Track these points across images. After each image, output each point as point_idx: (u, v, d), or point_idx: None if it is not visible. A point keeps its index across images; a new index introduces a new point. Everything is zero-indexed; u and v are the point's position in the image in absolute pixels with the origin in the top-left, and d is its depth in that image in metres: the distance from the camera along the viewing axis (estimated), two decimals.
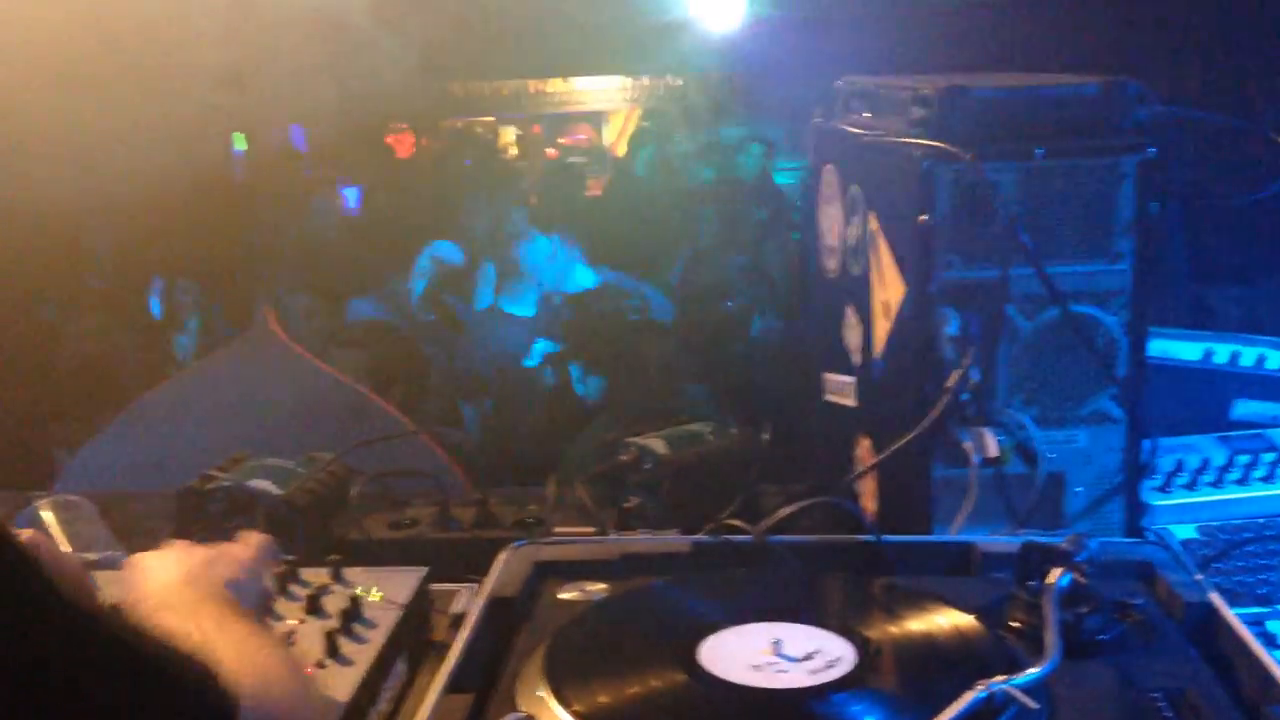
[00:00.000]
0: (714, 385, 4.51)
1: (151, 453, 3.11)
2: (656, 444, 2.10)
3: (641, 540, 1.83)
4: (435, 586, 1.74)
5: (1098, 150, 1.84)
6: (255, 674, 1.09)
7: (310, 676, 1.39)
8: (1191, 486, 2.12)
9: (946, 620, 1.45)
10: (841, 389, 2.16)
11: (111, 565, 1.69)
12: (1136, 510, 1.95)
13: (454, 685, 1.38)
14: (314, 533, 1.95)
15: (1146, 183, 1.84)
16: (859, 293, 2.04)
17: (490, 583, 1.62)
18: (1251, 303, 3.37)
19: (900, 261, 1.88)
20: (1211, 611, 1.50)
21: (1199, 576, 1.59)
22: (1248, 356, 2.41)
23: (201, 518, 1.92)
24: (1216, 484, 2.13)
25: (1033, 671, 1.25)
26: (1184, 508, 2.08)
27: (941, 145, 1.79)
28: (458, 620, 1.63)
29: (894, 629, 1.45)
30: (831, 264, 2.22)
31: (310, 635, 1.49)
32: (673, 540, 1.80)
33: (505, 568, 1.66)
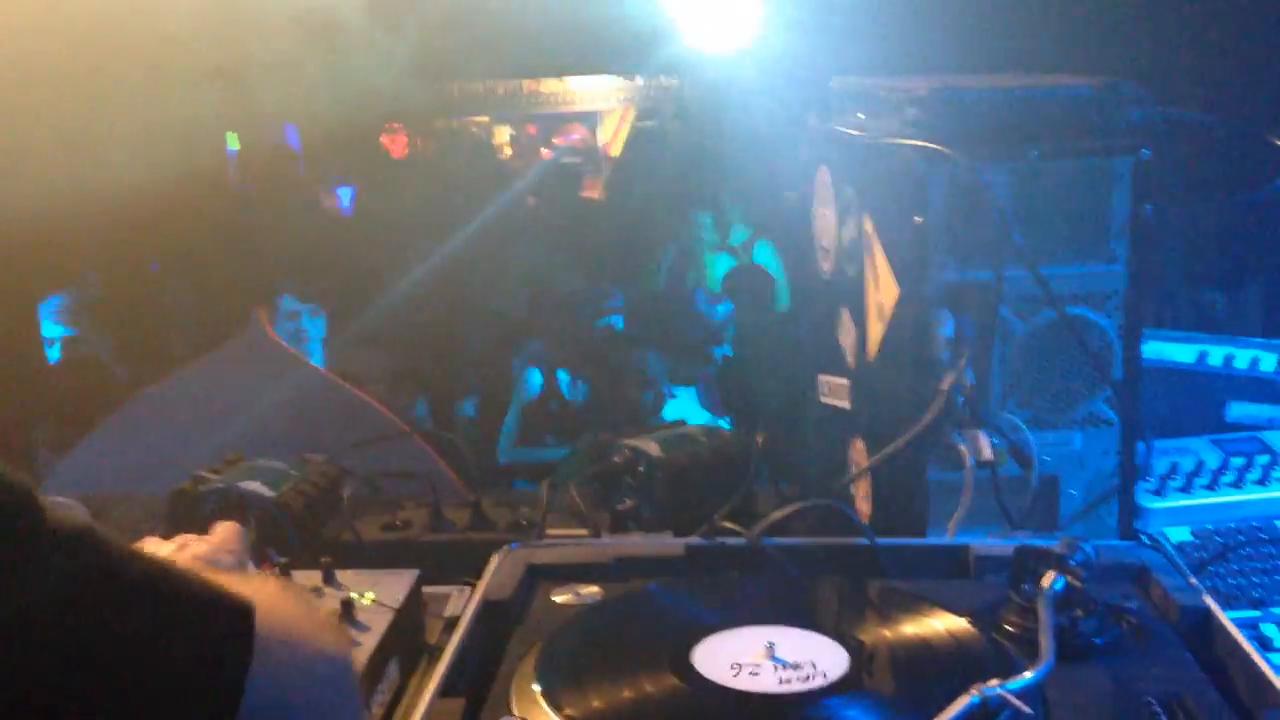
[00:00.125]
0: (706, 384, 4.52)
1: (143, 454, 3.10)
2: (650, 445, 2.10)
3: (635, 543, 1.83)
4: (428, 589, 1.73)
5: (1092, 151, 1.84)
6: (255, 592, 1.05)
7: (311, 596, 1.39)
8: (1186, 489, 2.12)
9: (941, 624, 1.45)
10: (836, 391, 2.16)
11: None
12: (1131, 513, 1.94)
13: (446, 689, 1.37)
14: (306, 534, 1.95)
15: (1141, 184, 1.84)
16: (853, 294, 2.04)
17: (483, 586, 1.62)
18: (1246, 305, 3.38)
19: (894, 263, 1.88)
20: (1206, 616, 1.50)
21: (1193, 580, 1.58)
22: (1242, 359, 2.41)
23: (193, 520, 1.91)
24: (1211, 486, 2.13)
25: (1027, 675, 1.25)
26: (1178, 510, 2.08)
27: (935, 146, 1.78)
28: (451, 623, 1.62)
29: (888, 632, 1.44)
30: (826, 265, 2.22)
31: None
32: (666, 543, 1.80)
33: (498, 570, 1.66)
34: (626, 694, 1.33)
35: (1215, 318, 3.37)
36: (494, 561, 1.68)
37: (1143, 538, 1.97)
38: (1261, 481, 2.14)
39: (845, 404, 2.12)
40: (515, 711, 1.31)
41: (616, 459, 2.10)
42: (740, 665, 1.35)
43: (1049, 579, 1.42)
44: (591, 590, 1.62)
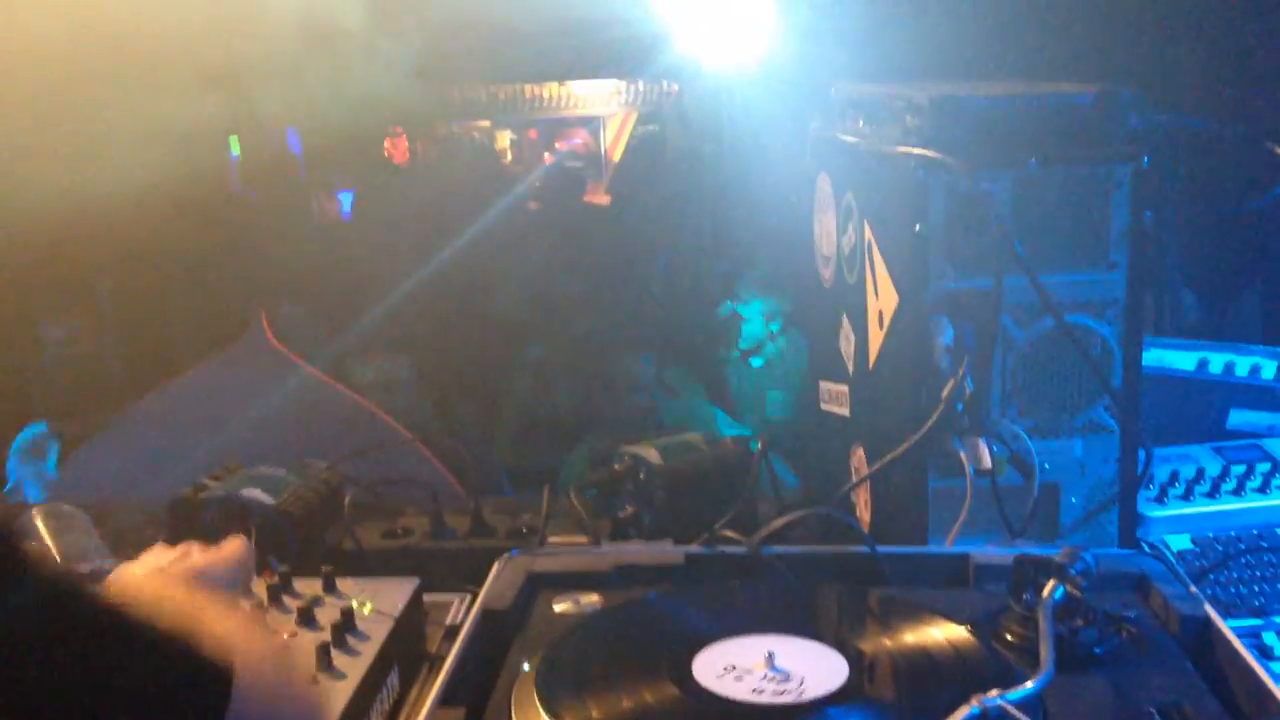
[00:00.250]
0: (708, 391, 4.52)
1: (143, 460, 3.10)
2: (650, 453, 2.10)
3: (635, 551, 1.83)
4: (429, 597, 1.73)
5: (1092, 159, 1.84)
6: (238, 645, 1.08)
7: (289, 644, 1.39)
8: (1186, 497, 2.12)
9: (941, 633, 1.45)
10: (836, 398, 2.16)
11: (102, 576, 1.68)
12: (1132, 521, 1.94)
13: (446, 698, 1.37)
14: (307, 542, 1.95)
15: (1141, 192, 1.84)
16: (854, 302, 2.04)
17: (483, 595, 1.62)
18: (1246, 313, 3.38)
19: (894, 271, 1.88)
20: (1207, 625, 1.50)
21: (1194, 589, 1.58)
22: (1242, 366, 2.41)
23: (194, 527, 1.91)
24: (1212, 494, 2.13)
25: (1027, 685, 1.25)
26: (1179, 519, 2.08)
27: (935, 154, 1.78)
28: (451, 632, 1.62)
29: (888, 641, 1.44)
30: (827, 273, 2.22)
31: (303, 648, 1.48)
32: (667, 551, 1.80)
33: (498, 579, 1.66)
34: (626, 703, 1.33)
35: (1216, 325, 3.37)
36: (494, 570, 1.68)
37: (1143, 546, 1.97)
38: (1262, 489, 2.13)
39: (845, 411, 2.12)
40: None
41: (617, 466, 2.10)
42: (740, 675, 1.35)
43: (1049, 588, 1.41)
44: (591, 599, 1.62)
